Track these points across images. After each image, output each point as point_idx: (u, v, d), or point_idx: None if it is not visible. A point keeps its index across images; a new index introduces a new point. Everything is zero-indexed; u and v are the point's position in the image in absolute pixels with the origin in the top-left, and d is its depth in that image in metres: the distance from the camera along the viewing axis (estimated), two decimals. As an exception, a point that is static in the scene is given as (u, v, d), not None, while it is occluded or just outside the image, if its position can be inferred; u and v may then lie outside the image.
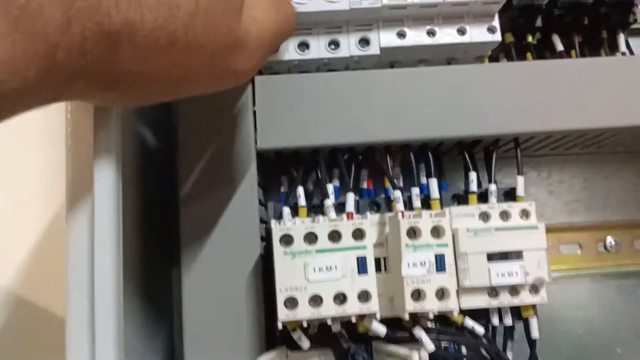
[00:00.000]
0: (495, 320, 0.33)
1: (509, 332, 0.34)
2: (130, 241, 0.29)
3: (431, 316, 0.29)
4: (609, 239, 0.43)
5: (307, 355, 0.31)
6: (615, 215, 0.43)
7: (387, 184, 0.35)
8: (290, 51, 0.36)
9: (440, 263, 0.28)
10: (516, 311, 0.34)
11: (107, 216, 0.24)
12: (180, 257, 0.31)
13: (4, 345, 0.48)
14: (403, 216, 0.29)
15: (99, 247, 0.24)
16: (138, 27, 0.19)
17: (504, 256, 0.32)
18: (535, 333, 0.33)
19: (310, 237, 0.28)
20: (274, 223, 0.29)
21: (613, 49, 0.42)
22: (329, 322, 0.28)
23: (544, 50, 0.42)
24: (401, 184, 0.36)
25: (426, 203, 0.34)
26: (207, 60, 0.22)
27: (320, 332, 0.31)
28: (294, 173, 0.34)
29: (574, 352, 0.42)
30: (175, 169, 0.32)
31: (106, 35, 0.18)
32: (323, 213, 0.32)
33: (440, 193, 0.34)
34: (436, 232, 0.29)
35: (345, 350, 0.30)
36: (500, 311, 0.33)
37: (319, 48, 0.36)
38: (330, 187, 0.33)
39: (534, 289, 0.32)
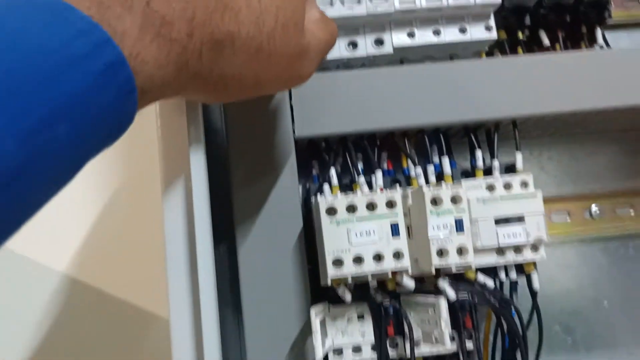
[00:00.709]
0: (502, 276, 0.39)
1: (514, 286, 0.40)
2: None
3: (454, 270, 0.34)
4: (594, 207, 0.49)
5: (346, 309, 0.37)
6: (599, 186, 0.49)
7: (405, 164, 0.41)
8: (315, 52, 0.41)
9: (459, 225, 0.34)
10: (520, 268, 0.39)
11: (202, 200, 0.29)
12: (235, 233, 0.36)
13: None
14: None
15: (199, 227, 0.29)
16: (236, 37, 0.25)
17: (509, 220, 0.37)
18: (536, 285, 0.39)
19: (351, 208, 0.34)
20: (319, 197, 0.34)
21: (592, 42, 0.48)
22: (369, 278, 0.34)
23: (533, 45, 0.47)
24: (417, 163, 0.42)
25: (440, 179, 0.40)
26: (282, 65, 0.27)
27: (356, 289, 0.36)
28: (326, 157, 0.39)
29: (566, 305, 0.48)
30: (227, 158, 0.37)
31: (215, 42, 0.24)
32: (352, 190, 0.38)
33: (452, 170, 0.40)
34: (454, 200, 0.34)
35: (379, 303, 0.36)
36: (506, 268, 0.39)
37: (339, 48, 0.42)
38: (359, 167, 0.39)
39: (534, 248, 0.38)
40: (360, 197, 0.34)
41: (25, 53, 0.18)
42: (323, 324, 0.36)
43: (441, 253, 0.34)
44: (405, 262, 0.34)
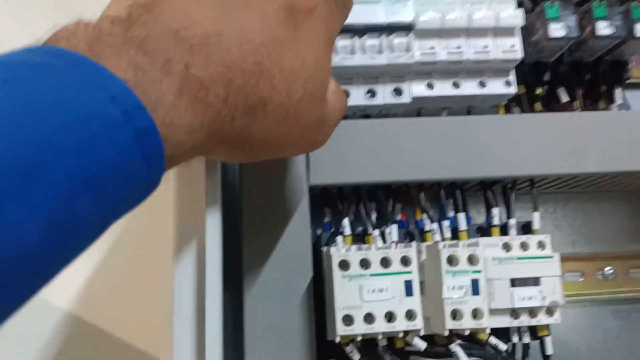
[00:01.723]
0: (515, 339, 0.38)
1: (525, 349, 0.39)
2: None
3: (467, 333, 0.33)
4: (607, 268, 0.48)
5: (353, 367, 0.35)
6: (612, 247, 0.48)
7: (418, 216, 0.40)
8: (332, 98, 0.41)
9: (475, 287, 0.33)
10: (533, 331, 0.38)
11: (215, 259, 0.28)
12: (243, 280, 0.35)
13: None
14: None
15: (210, 292, 0.28)
16: (268, 103, 0.24)
17: (525, 282, 0.36)
18: (549, 349, 0.38)
19: (364, 263, 0.33)
20: (332, 249, 0.33)
21: (611, 100, 0.47)
22: (379, 337, 0.33)
23: (551, 101, 0.47)
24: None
25: (455, 235, 0.39)
26: (304, 132, 0.27)
27: (363, 347, 0.35)
28: (340, 206, 0.38)
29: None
30: (239, 203, 0.37)
31: (249, 107, 0.23)
32: (363, 241, 0.37)
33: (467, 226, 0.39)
34: (471, 260, 0.34)
35: (388, 363, 0.35)
36: (519, 330, 0.38)
37: (357, 96, 0.41)
38: (372, 218, 0.38)
39: (549, 311, 0.37)
40: (375, 252, 0.33)
41: (53, 122, 0.17)
42: (328, 382, 0.35)
43: (455, 315, 0.33)
44: (418, 323, 0.32)
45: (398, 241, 0.38)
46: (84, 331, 0.51)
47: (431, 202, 0.41)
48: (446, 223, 0.39)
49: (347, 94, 0.41)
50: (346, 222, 0.37)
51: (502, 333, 0.38)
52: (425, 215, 0.39)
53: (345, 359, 0.35)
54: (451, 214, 0.40)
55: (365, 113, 0.42)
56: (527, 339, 0.38)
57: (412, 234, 0.39)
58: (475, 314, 0.33)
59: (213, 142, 0.24)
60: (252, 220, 0.36)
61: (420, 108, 0.44)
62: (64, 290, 0.51)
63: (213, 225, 0.29)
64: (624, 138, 0.40)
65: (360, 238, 0.38)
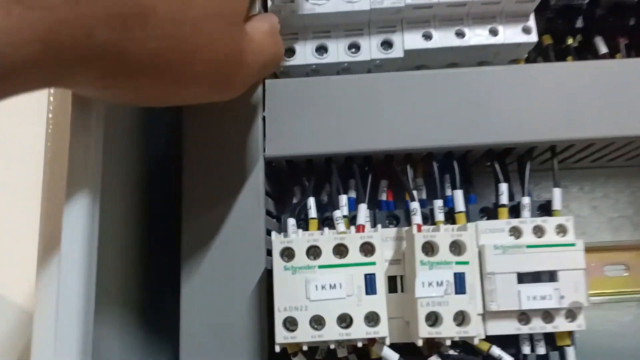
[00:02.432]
0: (526, 349, 0.30)
1: (543, 362, 0.31)
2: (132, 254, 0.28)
3: (448, 343, 0.26)
4: (661, 261, 0.39)
5: (313, 382, 0.28)
6: (668, 234, 0.39)
7: (407, 196, 0.32)
8: (307, 55, 0.34)
9: (459, 283, 0.25)
10: (551, 339, 0.30)
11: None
12: (180, 268, 0.29)
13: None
14: (419, 229, 0.26)
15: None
16: (150, 15, 0.19)
17: (537, 277, 0.28)
18: (572, 364, 0.30)
19: (314, 251, 0.26)
20: (274, 235, 0.26)
21: (663, 50, 0.38)
22: (332, 347, 0.26)
23: (586, 54, 0.39)
24: (424, 196, 0.33)
25: (451, 217, 0.31)
26: (209, 65, 0.22)
27: (329, 356, 0.28)
28: (306, 183, 0.31)
29: (621, 387, 0.38)
30: (180, 175, 0.30)
31: (118, 17, 0.18)
32: (334, 227, 0.30)
33: (467, 206, 0.31)
34: (456, 247, 0.26)
35: (356, 378, 0.28)
36: (532, 339, 0.30)
37: (337, 51, 0.34)
38: (343, 199, 0.30)
39: (571, 314, 0.29)
40: (327, 236, 0.26)
41: None
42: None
43: (435, 319, 0.25)
44: (382, 329, 0.25)
45: (374, 226, 0.30)
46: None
47: (426, 178, 0.34)
48: (439, 203, 0.31)
49: (292, 51, 0.34)
50: (312, 202, 0.30)
51: (510, 342, 0.30)
52: (414, 193, 0.31)
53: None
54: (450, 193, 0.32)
55: (350, 72, 0.35)
56: (541, 349, 0.30)
57: (397, 217, 0.31)
58: (462, 318, 0.25)
59: (61, 64, 0.18)
60: (192, 199, 0.30)
61: (419, 66, 0.36)
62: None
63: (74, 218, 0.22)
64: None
65: (330, 222, 0.31)
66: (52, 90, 0.24)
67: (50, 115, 0.23)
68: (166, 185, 0.33)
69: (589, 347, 0.35)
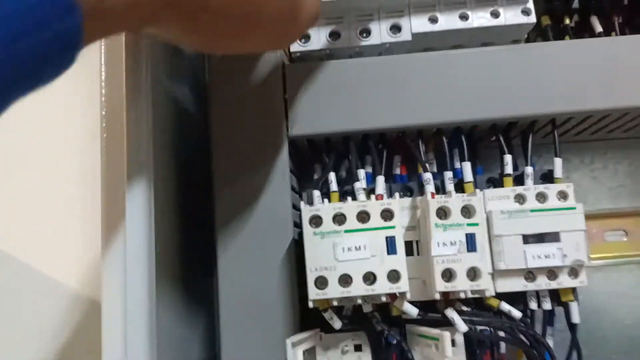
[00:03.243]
0: (533, 305, 0.32)
1: (548, 317, 0.33)
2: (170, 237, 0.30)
3: (462, 296, 0.28)
4: (659, 226, 0.41)
5: (340, 337, 0.31)
6: (664, 200, 0.42)
7: (420, 170, 0.35)
8: (321, 40, 0.36)
9: (471, 242, 0.28)
10: (556, 296, 0.33)
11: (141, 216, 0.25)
12: (216, 242, 0.32)
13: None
14: (433, 196, 0.29)
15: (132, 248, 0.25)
16: None
17: (541, 238, 0.31)
18: (575, 318, 0.32)
19: (340, 218, 0.29)
20: (303, 205, 0.29)
21: (657, 28, 0.40)
22: (359, 302, 0.28)
23: (583, 33, 0.41)
24: (435, 169, 0.36)
25: (460, 187, 0.34)
26: (274, 13, 0.24)
27: (354, 315, 0.31)
28: (326, 159, 0.34)
29: (622, 343, 0.40)
30: (210, 157, 0.33)
31: None
32: (354, 198, 0.33)
33: (474, 177, 0.34)
34: (467, 211, 0.28)
35: (379, 332, 0.30)
36: (538, 295, 0.32)
37: (350, 36, 0.36)
38: (362, 173, 0.33)
39: (573, 272, 0.31)
40: (351, 204, 0.28)
41: None
42: (312, 354, 0.31)
43: (450, 275, 0.28)
44: (403, 285, 0.28)
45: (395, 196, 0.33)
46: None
47: (436, 152, 0.36)
48: (449, 174, 0.33)
49: (307, 37, 0.36)
50: (332, 177, 0.33)
51: (518, 298, 0.32)
52: (427, 166, 0.33)
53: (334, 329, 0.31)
54: (459, 166, 0.35)
55: (362, 56, 0.38)
56: (547, 305, 0.32)
57: (411, 189, 0.34)
58: (474, 274, 0.28)
59: (154, 6, 0.20)
60: (222, 180, 0.32)
61: (426, 48, 0.38)
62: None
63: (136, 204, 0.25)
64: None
65: (352, 195, 0.34)
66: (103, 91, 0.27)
67: (103, 112, 0.26)
68: (197, 174, 0.36)
69: (594, 308, 0.37)
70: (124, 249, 0.26)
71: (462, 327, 0.28)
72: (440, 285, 0.28)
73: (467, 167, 0.33)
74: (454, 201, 0.28)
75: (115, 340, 0.26)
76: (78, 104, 0.49)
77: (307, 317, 0.32)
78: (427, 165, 0.33)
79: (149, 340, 0.27)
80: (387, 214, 0.28)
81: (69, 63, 0.18)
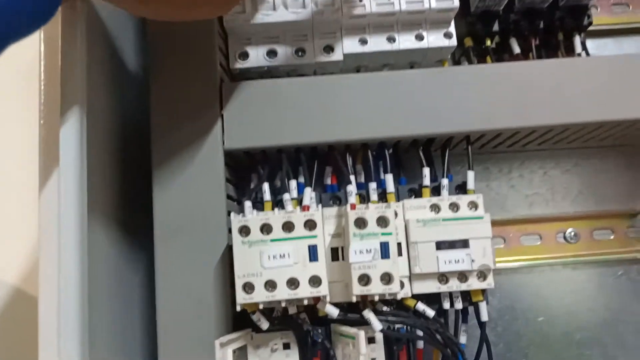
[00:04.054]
0: (446, 305, 0.36)
1: (462, 315, 0.37)
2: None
3: (377, 299, 0.31)
4: (569, 230, 0.45)
5: (270, 336, 0.34)
6: (575, 207, 0.45)
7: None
8: (259, 58, 0.39)
9: (384, 250, 0.31)
10: (468, 297, 0.36)
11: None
12: (154, 246, 0.34)
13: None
14: (353, 208, 0.32)
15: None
16: None
17: (452, 245, 0.34)
18: (484, 316, 0.36)
19: (267, 228, 0.31)
20: (233, 215, 0.32)
21: (569, 50, 0.44)
22: (283, 305, 0.31)
23: (503, 53, 0.44)
24: (363, 180, 0.39)
25: (384, 197, 0.37)
26: None
27: (283, 316, 0.34)
28: (261, 171, 0.37)
29: (535, 338, 0.44)
30: (149, 165, 0.35)
31: None
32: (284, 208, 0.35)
33: (397, 187, 0.37)
34: (382, 221, 0.31)
35: (305, 332, 0.33)
36: (451, 296, 0.36)
37: (286, 55, 0.39)
38: (293, 183, 0.36)
39: (482, 275, 0.35)
40: (277, 215, 0.31)
41: None
42: (244, 352, 0.33)
43: (367, 280, 0.31)
44: (323, 289, 0.31)
45: (323, 205, 0.35)
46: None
47: (364, 164, 0.39)
48: (372, 185, 0.36)
49: (246, 55, 0.38)
50: (266, 187, 0.36)
51: (433, 299, 0.36)
52: (352, 178, 0.36)
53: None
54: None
55: (299, 74, 0.40)
56: (459, 304, 0.36)
57: (339, 198, 0.37)
58: (388, 278, 0.31)
59: None
60: (161, 187, 0.35)
61: (358, 67, 0.41)
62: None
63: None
64: (582, 86, 0.37)
65: (281, 204, 0.37)
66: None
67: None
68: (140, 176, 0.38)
69: (510, 306, 0.41)
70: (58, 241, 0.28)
71: (377, 326, 0.31)
72: (357, 289, 0.31)
73: (389, 178, 0.37)
74: (371, 212, 0.31)
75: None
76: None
77: (245, 318, 0.34)
78: (352, 177, 0.36)
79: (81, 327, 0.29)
80: (310, 224, 0.31)
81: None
